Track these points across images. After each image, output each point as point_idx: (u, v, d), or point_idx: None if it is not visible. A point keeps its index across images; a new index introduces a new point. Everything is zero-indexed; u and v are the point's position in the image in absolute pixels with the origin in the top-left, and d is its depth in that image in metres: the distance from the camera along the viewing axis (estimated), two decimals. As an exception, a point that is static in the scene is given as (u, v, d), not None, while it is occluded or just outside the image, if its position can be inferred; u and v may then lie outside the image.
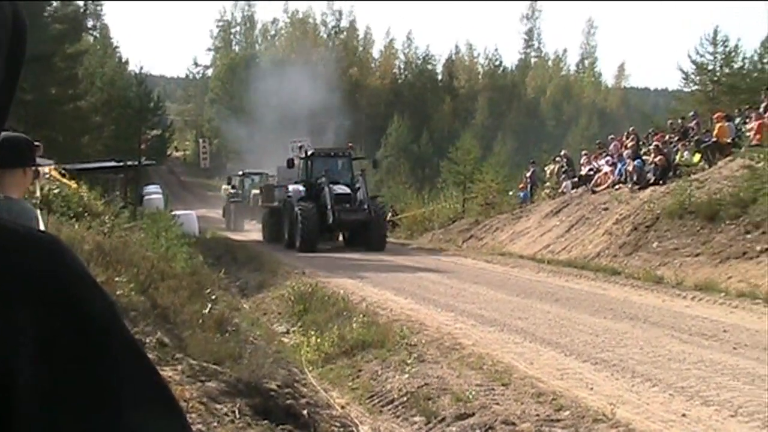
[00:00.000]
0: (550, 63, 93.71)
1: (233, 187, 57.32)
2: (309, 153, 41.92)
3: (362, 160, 45.85)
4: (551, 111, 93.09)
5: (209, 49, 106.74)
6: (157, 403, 1.16)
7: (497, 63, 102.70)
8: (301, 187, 39.53)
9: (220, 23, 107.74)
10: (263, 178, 56.68)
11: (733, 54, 60.65)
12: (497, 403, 10.62)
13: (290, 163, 40.78)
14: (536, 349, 14.37)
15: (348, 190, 38.77)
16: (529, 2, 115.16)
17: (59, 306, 1.09)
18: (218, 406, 8.07)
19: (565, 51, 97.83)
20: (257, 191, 53.30)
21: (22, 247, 1.11)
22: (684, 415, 10.36)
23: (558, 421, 9.91)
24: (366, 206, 38.09)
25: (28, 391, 1.03)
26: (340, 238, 41.88)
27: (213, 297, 16.50)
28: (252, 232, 49.84)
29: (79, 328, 1.09)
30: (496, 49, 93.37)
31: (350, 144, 46.41)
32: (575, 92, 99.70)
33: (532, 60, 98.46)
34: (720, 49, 61.42)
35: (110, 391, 1.09)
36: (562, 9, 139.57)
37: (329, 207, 37.28)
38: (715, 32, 61.98)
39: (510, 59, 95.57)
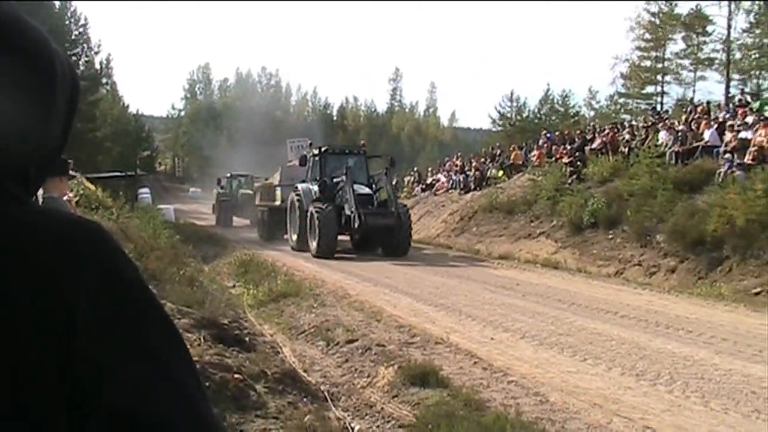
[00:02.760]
0: (407, 110, 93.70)
1: (222, 188, 45.63)
2: (322, 149, 26.41)
3: (378, 158, 30.19)
4: (408, 142, 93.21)
5: (182, 98, 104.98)
6: (179, 347, 1.17)
7: (373, 110, 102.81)
8: (314, 187, 24.90)
9: (189, 80, 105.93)
10: (248, 180, 45.25)
11: (522, 107, 62.61)
12: (373, 333, 10.67)
13: (303, 161, 26.50)
14: (398, 297, 14.46)
15: (369, 191, 23.94)
16: (395, 68, 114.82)
17: (106, 271, 1.09)
18: (189, 335, 8.01)
19: (416, 102, 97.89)
20: (246, 191, 42.76)
21: (78, 228, 1.12)
22: (492, 338, 10.59)
23: (413, 343, 10.00)
24: (394, 209, 23.22)
25: (85, 328, 1.04)
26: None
27: (185, 263, 16.39)
28: (241, 229, 38.89)
29: (121, 287, 1.11)
30: (372, 101, 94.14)
31: (363, 142, 31.69)
32: (423, 130, 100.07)
33: (396, 108, 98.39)
34: (515, 104, 63.22)
35: (142, 328, 1.11)
36: (415, 74, 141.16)
37: (353, 209, 22.60)
38: (512, 93, 63.95)
39: (381, 107, 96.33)
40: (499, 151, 37.80)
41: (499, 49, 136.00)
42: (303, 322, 11.97)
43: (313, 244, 22.87)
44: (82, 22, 56.32)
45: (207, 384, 6.12)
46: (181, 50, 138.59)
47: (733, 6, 36.16)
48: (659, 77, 48.37)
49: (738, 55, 39.41)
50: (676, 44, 46.31)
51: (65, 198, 6.55)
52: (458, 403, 7.00)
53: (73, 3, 58.81)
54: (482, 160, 37.75)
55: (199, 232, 31.45)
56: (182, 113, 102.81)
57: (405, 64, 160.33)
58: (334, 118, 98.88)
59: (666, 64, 47.74)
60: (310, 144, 31.00)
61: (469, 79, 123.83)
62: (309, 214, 23.31)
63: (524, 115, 61.57)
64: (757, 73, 40.61)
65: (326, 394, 7.77)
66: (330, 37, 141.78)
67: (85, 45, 57.12)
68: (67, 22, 53.76)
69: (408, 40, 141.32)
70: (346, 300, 13.97)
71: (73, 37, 54.27)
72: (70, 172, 10.05)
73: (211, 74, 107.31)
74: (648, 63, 48.26)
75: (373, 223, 22.36)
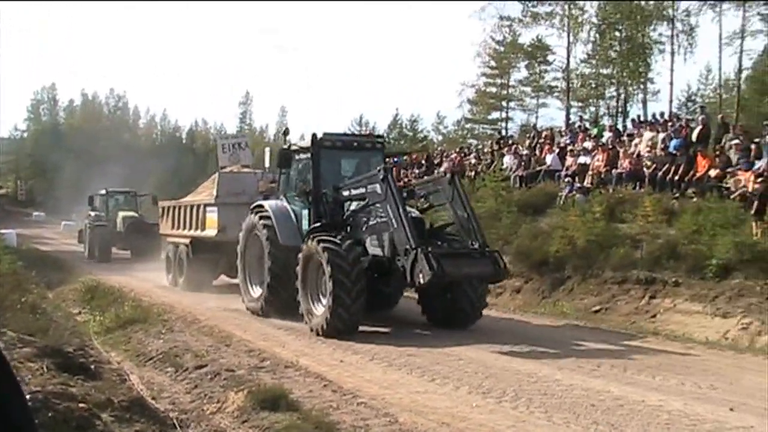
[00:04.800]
0: (257, 133, 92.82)
1: (94, 209, 33.13)
2: (317, 139, 14.77)
3: (401, 158, 22.30)
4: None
5: (25, 119, 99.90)
6: (10, 380, 1.16)
7: (223, 132, 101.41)
8: (296, 205, 15.09)
9: (33, 101, 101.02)
10: (130, 198, 34.74)
11: (372, 131, 64.04)
12: (222, 358, 10.53)
13: (284, 160, 15.15)
14: (248, 321, 14.34)
15: (417, 213, 14.08)
16: (245, 91, 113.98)
17: None
18: (31, 365, 7.65)
19: (267, 125, 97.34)
20: (128, 212, 32.77)
21: None
22: (342, 361, 10.66)
23: (263, 367, 9.94)
24: (479, 245, 12.60)
25: None
26: None
27: (27, 289, 15.61)
28: (129, 264, 28.50)
29: None
30: (221, 124, 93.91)
31: (370, 131, 21.70)
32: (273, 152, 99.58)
33: (246, 130, 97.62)
34: (364, 128, 65.36)
35: None
36: (264, 98, 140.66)
37: (411, 246, 11.79)
38: (361, 117, 66.19)
39: (231, 129, 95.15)
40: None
41: (350, 73, 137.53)
42: (151, 348, 11.64)
43: (318, 311, 12.81)
44: None
45: (50, 414, 5.87)
46: (23, 70, 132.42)
47: (572, 37, 38.14)
48: (504, 103, 50.32)
49: (577, 84, 41.53)
50: (520, 72, 48.39)
51: None
52: (308, 426, 7.00)
53: None
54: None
55: (44, 256, 29.84)
56: (26, 134, 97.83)
57: (255, 87, 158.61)
58: (183, 140, 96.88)
59: (510, 90, 49.71)
60: (235, 145, 23.88)
61: (320, 103, 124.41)
62: (307, 256, 13.15)
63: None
64: (595, 101, 43.02)
65: (175, 421, 7.58)
66: (181, 60, 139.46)
67: None
68: None
69: (259, 64, 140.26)
70: (196, 325, 13.72)
71: None
72: None
73: (57, 95, 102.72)
74: (494, 89, 50.04)
75: (455, 273, 11.93)
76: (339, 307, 12.18)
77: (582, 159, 21.01)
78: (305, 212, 14.72)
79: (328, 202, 14.22)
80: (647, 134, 21.59)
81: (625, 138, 22.52)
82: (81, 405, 6.58)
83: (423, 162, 30.30)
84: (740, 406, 8.07)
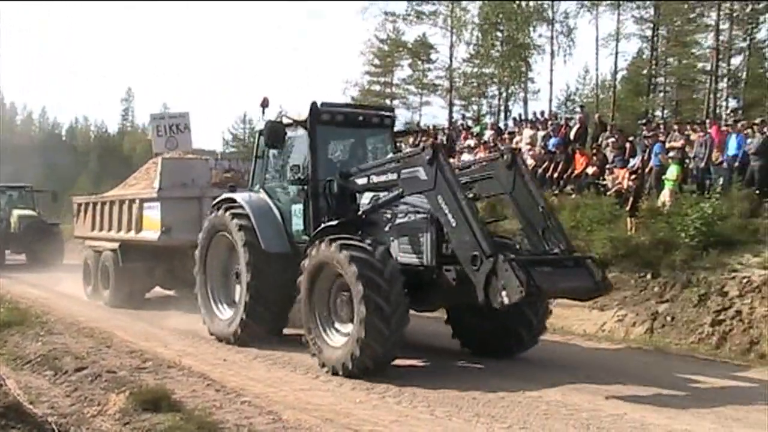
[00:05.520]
0: (139, 130, 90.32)
1: None
2: (314, 111, 11.22)
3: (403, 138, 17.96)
4: (141, 162, 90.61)
5: None
6: None
7: (104, 130, 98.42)
8: (283, 194, 11.92)
9: None
10: (26, 195, 29.28)
11: (254, 129, 64.65)
12: (103, 359, 10.35)
13: (274, 136, 11.42)
14: (130, 321, 14.13)
15: None
16: (127, 88, 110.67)
17: None
18: None
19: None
20: (25, 211, 27.85)
21: None
22: (225, 360, 10.68)
23: (144, 368, 9.84)
24: (563, 248, 9.27)
25: None
26: None
27: None
28: (28, 271, 24.76)
29: None
30: (102, 121, 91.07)
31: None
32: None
33: (128, 128, 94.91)
34: (248, 125, 65.09)
35: None
36: (152, 95, 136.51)
37: (488, 255, 8.42)
38: (245, 115, 66.14)
39: (113, 127, 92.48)
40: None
41: (234, 70, 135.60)
42: (29, 351, 11.29)
43: (336, 341, 9.76)
44: None
45: None
46: None
47: (455, 37, 38.92)
48: (388, 101, 50.83)
49: (460, 82, 42.44)
50: (403, 70, 48.91)
51: None
52: (191, 426, 7.01)
53: None
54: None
55: None
56: None
57: (137, 84, 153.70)
58: (63, 137, 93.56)
59: (394, 89, 50.12)
60: (177, 118, 20.21)
61: (203, 101, 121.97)
62: (318, 266, 9.84)
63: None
64: (477, 99, 44.12)
65: (54, 426, 7.45)
66: (59, 57, 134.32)
67: None
68: None
69: (141, 61, 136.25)
70: (76, 327, 13.44)
71: None
72: None
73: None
74: (378, 87, 50.43)
75: (551, 288, 8.82)
76: (373, 338, 8.97)
77: (465, 156, 21.56)
78: (296, 208, 11.47)
79: (332, 193, 10.81)
80: (527, 132, 22.37)
81: (506, 136, 23.22)
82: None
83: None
84: (615, 394, 8.58)
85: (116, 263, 16.59)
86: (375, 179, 10.37)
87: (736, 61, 35.13)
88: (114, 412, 7.82)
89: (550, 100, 36.90)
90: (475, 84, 42.54)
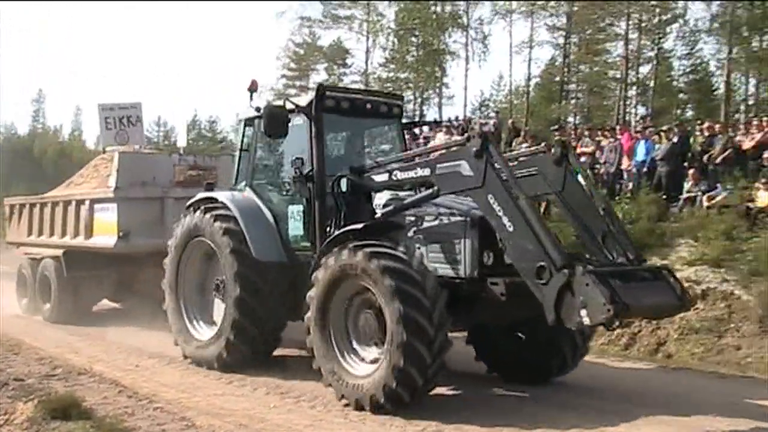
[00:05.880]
0: (51, 133, 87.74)
1: None
2: (319, 93, 9.43)
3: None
4: (52, 165, 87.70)
5: None
6: None
7: (13, 131, 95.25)
8: (274, 204, 10.05)
9: None
10: None
11: (169, 132, 64.20)
12: (11, 367, 10.07)
13: (275, 123, 9.13)
14: (39, 328, 13.80)
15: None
16: (38, 89, 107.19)
17: None
18: None
19: (61, 125, 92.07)
20: None
21: None
22: (137, 365, 10.52)
23: (54, 376, 9.62)
24: (631, 258, 7.75)
25: None
26: None
27: None
28: None
29: None
30: (12, 122, 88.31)
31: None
32: (68, 153, 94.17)
33: (39, 130, 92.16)
34: (162, 128, 64.48)
35: None
36: (57, 96, 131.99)
37: (563, 271, 6.79)
38: (159, 118, 66.44)
39: (23, 129, 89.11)
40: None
41: (148, 72, 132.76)
42: (-70, 360, 10.92)
43: (359, 370, 8.12)
44: None
45: None
46: None
47: (370, 41, 39.26)
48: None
49: (375, 87, 42.73)
50: (319, 74, 48.96)
51: None
52: (102, 434, 6.92)
53: None
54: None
55: None
56: None
57: (49, 86, 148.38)
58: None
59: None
60: (140, 117, 17.82)
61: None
62: (336, 278, 8.13)
63: (172, 140, 61.75)
64: (392, 104, 44.52)
65: (-43, 436, 7.25)
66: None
67: None
68: None
69: (53, 62, 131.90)
70: (-19, 335, 13.01)
71: None
72: None
73: None
74: (293, 91, 50.33)
75: (636, 306, 6.96)
76: (412, 366, 7.40)
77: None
78: (294, 209, 9.70)
79: (342, 192, 9.08)
80: (441, 136, 22.60)
81: (421, 140, 23.41)
82: None
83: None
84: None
85: (59, 273, 14.64)
86: (400, 175, 8.78)
87: (644, 69, 36.49)
88: (21, 421, 7.62)
89: (465, 105, 37.58)
90: (390, 88, 42.97)
